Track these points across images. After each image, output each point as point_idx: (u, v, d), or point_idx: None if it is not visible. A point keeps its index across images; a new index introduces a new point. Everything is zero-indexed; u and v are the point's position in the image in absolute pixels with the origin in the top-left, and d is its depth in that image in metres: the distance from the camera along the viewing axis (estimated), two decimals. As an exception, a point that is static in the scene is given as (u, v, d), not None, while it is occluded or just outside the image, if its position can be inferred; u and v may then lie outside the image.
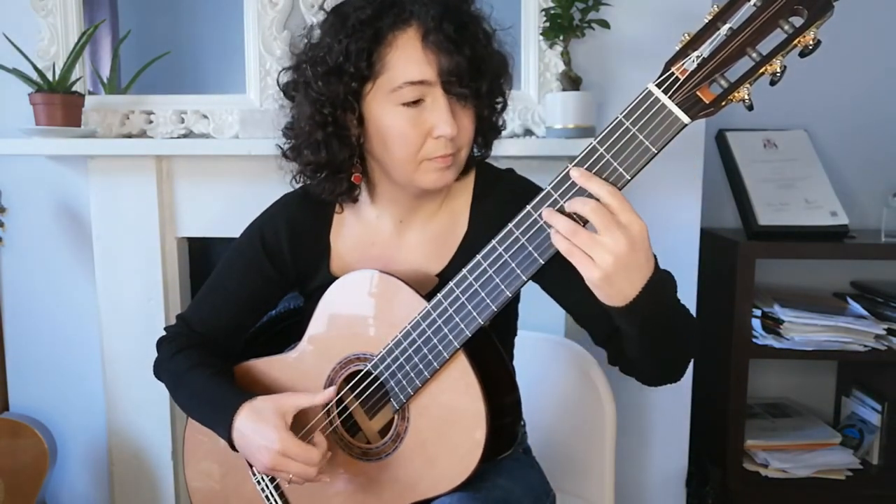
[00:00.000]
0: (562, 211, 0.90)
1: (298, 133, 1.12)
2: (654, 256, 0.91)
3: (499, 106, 1.14)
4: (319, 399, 1.10)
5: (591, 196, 0.88)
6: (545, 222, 0.91)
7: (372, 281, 1.09)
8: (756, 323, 1.89)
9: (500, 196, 1.15)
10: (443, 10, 1.02)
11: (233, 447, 1.11)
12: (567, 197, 0.90)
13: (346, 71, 1.03)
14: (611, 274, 0.86)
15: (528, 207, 0.93)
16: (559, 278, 1.05)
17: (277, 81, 1.15)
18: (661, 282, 0.92)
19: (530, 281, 0.98)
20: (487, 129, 1.15)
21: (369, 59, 1.02)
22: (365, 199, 1.19)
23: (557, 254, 0.91)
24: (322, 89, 1.05)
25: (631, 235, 0.86)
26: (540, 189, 0.98)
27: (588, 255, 0.87)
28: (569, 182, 0.89)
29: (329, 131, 1.08)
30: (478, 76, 1.04)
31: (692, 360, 1.09)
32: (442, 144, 1.04)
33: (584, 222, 0.89)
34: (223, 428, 1.11)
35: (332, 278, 1.14)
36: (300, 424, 1.13)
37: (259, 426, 1.07)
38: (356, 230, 1.20)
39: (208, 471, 1.27)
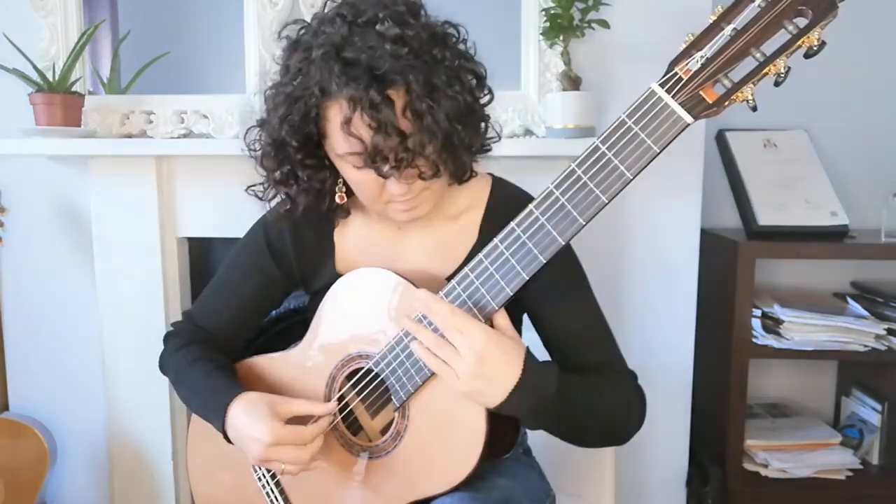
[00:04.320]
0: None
1: (265, 188, 1.14)
2: (533, 358, 0.98)
3: (465, 133, 1.01)
4: (319, 409, 1.10)
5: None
6: (412, 336, 1.00)
7: (376, 278, 1.09)
8: (756, 323, 1.89)
9: (515, 215, 1.10)
10: (366, 81, 0.92)
11: (227, 439, 1.12)
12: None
13: (290, 143, 1.04)
14: (471, 385, 0.94)
15: (531, 206, 0.94)
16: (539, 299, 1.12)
17: (244, 139, 1.14)
18: (535, 378, 0.96)
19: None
20: (460, 154, 1.03)
21: (316, 123, 1.01)
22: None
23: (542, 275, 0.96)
24: (274, 160, 1.08)
25: (475, 349, 0.93)
26: None
27: (453, 370, 0.95)
28: (594, 155, 0.90)
29: (292, 185, 1.10)
30: (415, 143, 0.95)
31: (630, 428, 1.12)
32: (400, 197, 1.04)
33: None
34: (217, 420, 1.12)
35: (338, 276, 1.14)
36: (301, 422, 1.13)
37: (250, 419, 1.07)
38: (360, 230, 1.20)
39: (210, 468, 1.27)
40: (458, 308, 0.96)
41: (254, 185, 1.16)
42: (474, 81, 1.04)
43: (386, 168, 0.97)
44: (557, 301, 1.12)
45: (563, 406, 1.00)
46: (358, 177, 1.03)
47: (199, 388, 1.18)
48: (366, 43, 0.94)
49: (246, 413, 1.08)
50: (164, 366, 1.27)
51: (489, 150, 1.13)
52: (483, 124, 1.08)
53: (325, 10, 1.03)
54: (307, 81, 0.98)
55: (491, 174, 1.20)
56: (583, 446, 1.15)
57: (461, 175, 1.09)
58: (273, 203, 1.17)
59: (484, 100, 1.07)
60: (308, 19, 1.06)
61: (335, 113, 0.98)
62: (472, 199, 1.17)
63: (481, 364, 0.93)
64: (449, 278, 1.10)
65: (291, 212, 1.13)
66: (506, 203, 1.14)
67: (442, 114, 0.96)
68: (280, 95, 1.03)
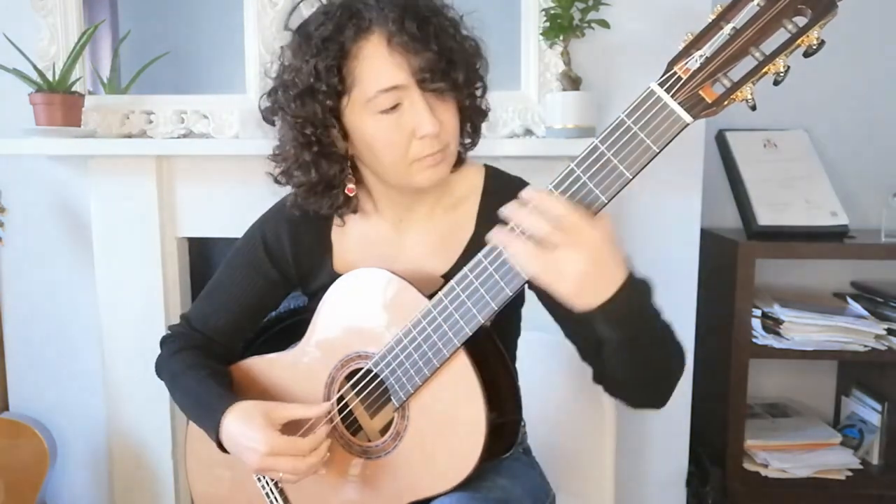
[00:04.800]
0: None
1: (286, 157, 1.13)
2: (631, 265, 0.90)
3: (479, 91, 1.14)
4: (314, 411, 1.10)
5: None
6: (503, 246, 0.91)
7: (374, 279, 1.09)
8: (756, 323, 1.89)
9: (509, 200, 1.14)
10: (402, 11, 1.01)
11: (222, 448, 1.12)
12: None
13: (319, 90, 1.03)
14: (580, 285, 0.86)
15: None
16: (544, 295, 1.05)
17: (259, 107, 1.15)
18: (635, 286, 0.91)
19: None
20: (473, 115, 1.15)
21: (339, 75, 1.02)
22: (364, 202, 1.19)
23: None
24: (299, 111, 1.06)
25: (593, 244, 0.85)
26: None
27: (556, 271, 0.86)
28: (594, 154, 0.88)
29: (315, 151, 1.09)
30: (451, 67, 1.03)
31: (674, 386, 1.04)
32: (428, 143, 1.04)
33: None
34: (212, 429, 1.12)
35: (336, 276, 1.14)
36: (300, 424, 1.13)
37: (245, 428, 1.07)
38: (358, 229, 1.20)
39: (210, 469, 1.27)
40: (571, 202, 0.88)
41: (275, 154, 1.15)
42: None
43: (429, 84, 1.02)
44: None
45: (653, 321, 0.97)
46: (385, 130, 1.03)
47: (192, 397, 1.18)
48: None
49: (241, 422, 1.08)
50: (160, 370, 1.27)
51: (486, 110, 1.18)
52: (483, 90, 1.15)
53: None
54: (339, 22, 1.02)
55: (485, 164, 1.21)
56: (643, 393, 1.05)
57: (472, 132, 1.16)
58: (290, 185, 1.16)
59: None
60: (305, 18, 1.08)
61: (372, 46, 1.01)
62: (468, 188, 1.18)
63: (597, 261, 0.86)
64: (446, 276, 1.11)
65: (309, 186, 1.12)
66: (501, 191, 1.15)
67: (465, 44, 1.08)
68: (309, 43, 1.04)
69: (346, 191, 1.14)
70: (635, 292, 0.90)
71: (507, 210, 0.90)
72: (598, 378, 1.08)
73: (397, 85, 1.01)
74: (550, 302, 1.04)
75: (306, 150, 1.09)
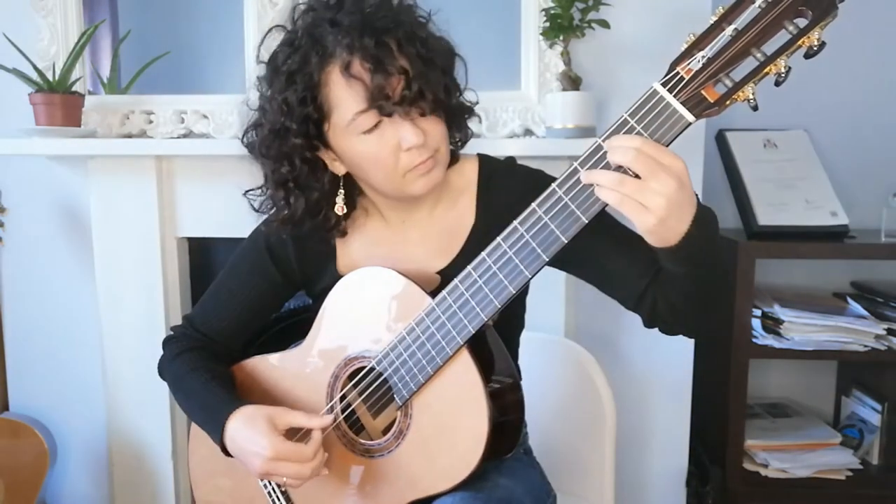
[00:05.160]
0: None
1: (262, 192, 1.14)
2: (695, 193, 0.90)
3: (456, 90, 1.12)
4: (315, 423, 1.10)
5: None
6: (586, 182, 0.89)
7: (377, 278, 1.10)
8: (756, 323, 1.89)
9: (507, 187, 1.15)
10: (358, 33, 0.99)
11: (226, 452, 1.12)
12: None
13: (290, 128, 1.04)
14: (664, 217, 0.85)
15: (533, 205, 0.93)
16: (584, 251, 1.05)
17: (242, 141, 1.15)
18: (706, 214, 0.91)
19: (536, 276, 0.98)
20: (456, 114, 1.13)
21: (315, 103, 1.03)
22: (366, 205, 1.19)
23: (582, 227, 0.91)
24: (270, 151, 1.07)
25: (677, 174, 0.85)
26: (545, 175, 1.04)
27: (640, 203, 0.85)
28: (597, 154, 0.88)
29: (290, 187, 1.10)
30: (412, 81, 1.00)
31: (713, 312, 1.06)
32: (416, 153, 1.04)
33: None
34: (216, 433, 1.12)
35: (340, 277, 1.14)
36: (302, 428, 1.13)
37: (250, 433, 1.07)
38: (361, 231, 1.20)
39: (213, 471, 1.27)
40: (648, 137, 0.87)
41: (252, 190, 1.17)
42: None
43: (392, 106, 1.00)
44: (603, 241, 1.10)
45: (715, 251, 0.96)
46: (371, 148, 1.03)
47: (196, 400, 1.18)
48: (356, 7, 1.01)
49: (245, 427, 1.08)
50: (163, 372, 1.27)
51: (475, 106, 1.17)
52: (460, 88, 1.13)
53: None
54: (305, 52, 1.01)
55: (477, 154, 1.22)
56: (697, 318, 1.05)
57: (458, 128, 1.15)
58: (268, 214, 1.17)
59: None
60: (272, 51, 1.08)
61: (336, 73, 1.00)
62: (465, 182, 1.18)
63: (680, 191, 0.85)
64: (447, 270, 1.11)
65: (289, 219, 1.13)
66: (495, 178, 1.17)
67: (434, 52, 1.04)
68: (278, 77, 1.04)
69: (335, 209, 1.14)
70: (705, 227, 0.90)
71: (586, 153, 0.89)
72: (650, 320, 1.09)
73: (364, 108, 1.00)
74: (586, 261, 1.08)
75: (282, 188, 1.10)
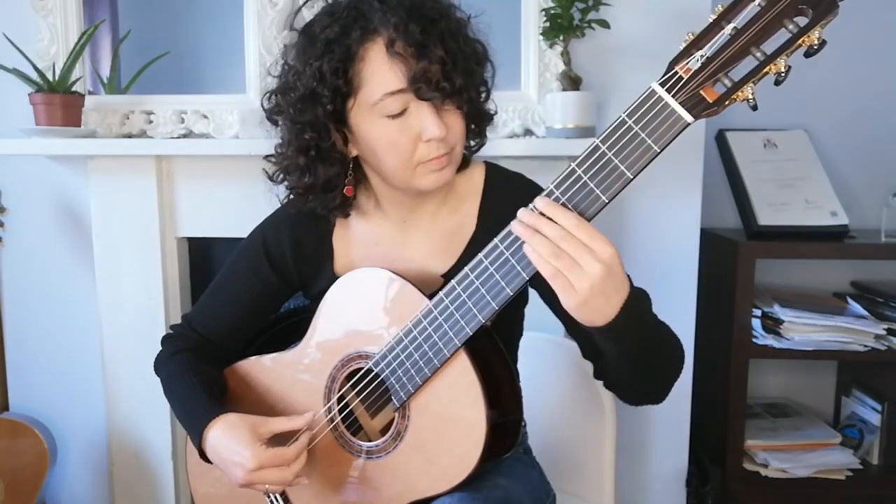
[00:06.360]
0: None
1: (284, 158, 1.13)
2: (628, 276, 0.91)
3: (483, 94, 1.13)
4: (298, 423, 1.11)
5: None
6: (526, 238, 0.90)
7: (375, 279, 1.09)
8: (756, 323, 1.89)
9: (510, 198, 1.13)
10: (406, 15, 0.99)
11: (205, 458, 1.12)
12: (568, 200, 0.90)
13: (321, 94, 1.03)
14: (588, 299, 0.86)
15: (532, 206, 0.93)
16: (549, 288, 1.06)
17: (262, 106, 1.15)
18: (637, 300, 0.92)
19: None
20: (478, 118, 1.15)
21: (345, 77, 1.02)
22: (367, 201, 1.19)
23: None
24: (299, 116, 1.06)
25: (605, 262, 0.86)
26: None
27: (568, 281, 0.86)
28: (595, 154, 0.88)
29: (312, 155, 1.09)
30: (452, 73, 1.01)
31: (673, 383, 1.07)
32: (434, 146, 1.04)
33: None
34: (196, 439, 1.12)
35: (336, 279, 1.14)
36: (285, 437, 1.13)
37: (230, 442, 1.07)
38: (360, 230, 1.20)
39: (211, 470, 1.27)
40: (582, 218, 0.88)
41: (271, 155, 1.15)
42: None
43: (430, 92, 1.00)
44: None
45: (654, 332, 0.99)
46: (391, 133, 1.03)
47: (182, 403, 1.18)
48: None
49: (226, 435, 1.08)
50: (158, 369, 1.27)
51: (491, 113, 1.18)
52: (487, 94, 1.14)
53: None
54: (346, 24, 1.01)
55: (484, 161, 1.22)
56: (641, 393, 1.08)
57: (476, 134, 1.16)
58: (285, 183, 1.16)
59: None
60: (309, 20, 1.07)
61: (376, 49, 1.00)
62: (470, 187, 1.18)
63: (606, 279, 0.85)
64: (446, 275, 1.11)
65: (311, 187, 1.12)
66: (501, 189, 1.17)
67: (470, 48, 1.06)
68: (313, 45, 1.03)
69: (344, 191, 1.13)
70: (635, 310, 0.91)
71: (523, 215, 0.90)
72: (599, 375, 1.10)
73: (402, 88, 1.00)
74: (551, 298, 1.04)
75: (303, 155, 1.09)
